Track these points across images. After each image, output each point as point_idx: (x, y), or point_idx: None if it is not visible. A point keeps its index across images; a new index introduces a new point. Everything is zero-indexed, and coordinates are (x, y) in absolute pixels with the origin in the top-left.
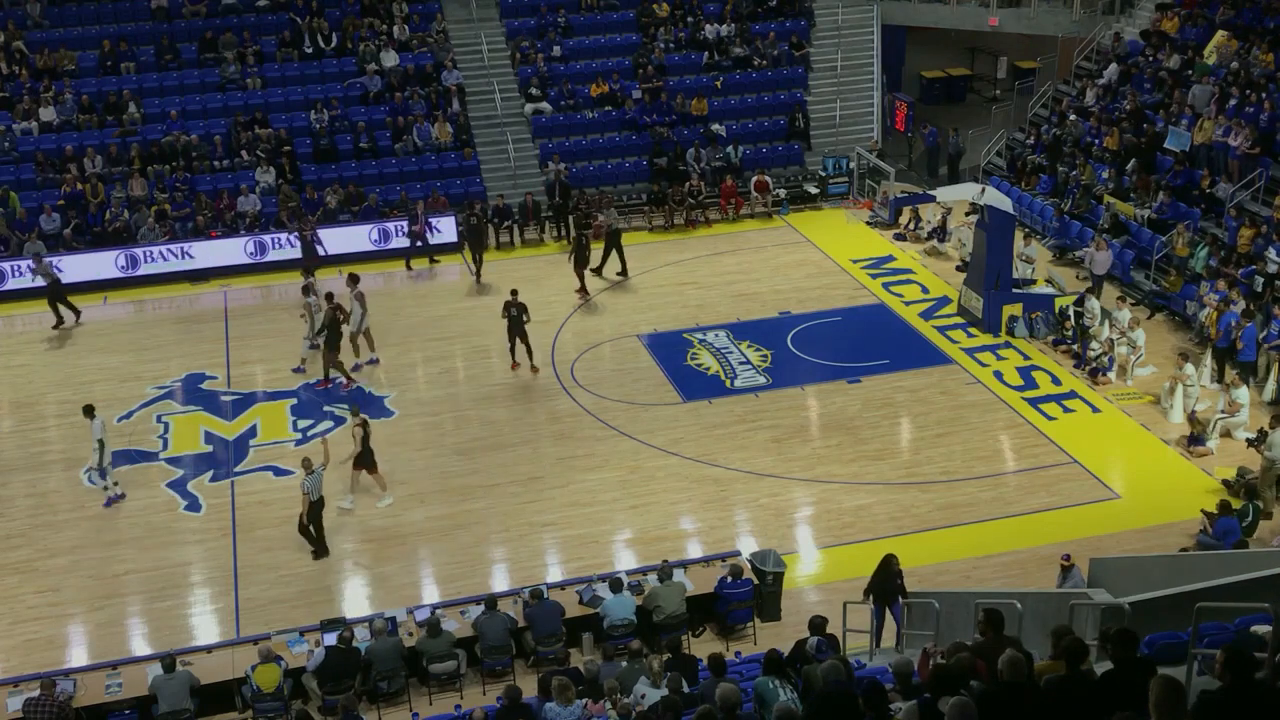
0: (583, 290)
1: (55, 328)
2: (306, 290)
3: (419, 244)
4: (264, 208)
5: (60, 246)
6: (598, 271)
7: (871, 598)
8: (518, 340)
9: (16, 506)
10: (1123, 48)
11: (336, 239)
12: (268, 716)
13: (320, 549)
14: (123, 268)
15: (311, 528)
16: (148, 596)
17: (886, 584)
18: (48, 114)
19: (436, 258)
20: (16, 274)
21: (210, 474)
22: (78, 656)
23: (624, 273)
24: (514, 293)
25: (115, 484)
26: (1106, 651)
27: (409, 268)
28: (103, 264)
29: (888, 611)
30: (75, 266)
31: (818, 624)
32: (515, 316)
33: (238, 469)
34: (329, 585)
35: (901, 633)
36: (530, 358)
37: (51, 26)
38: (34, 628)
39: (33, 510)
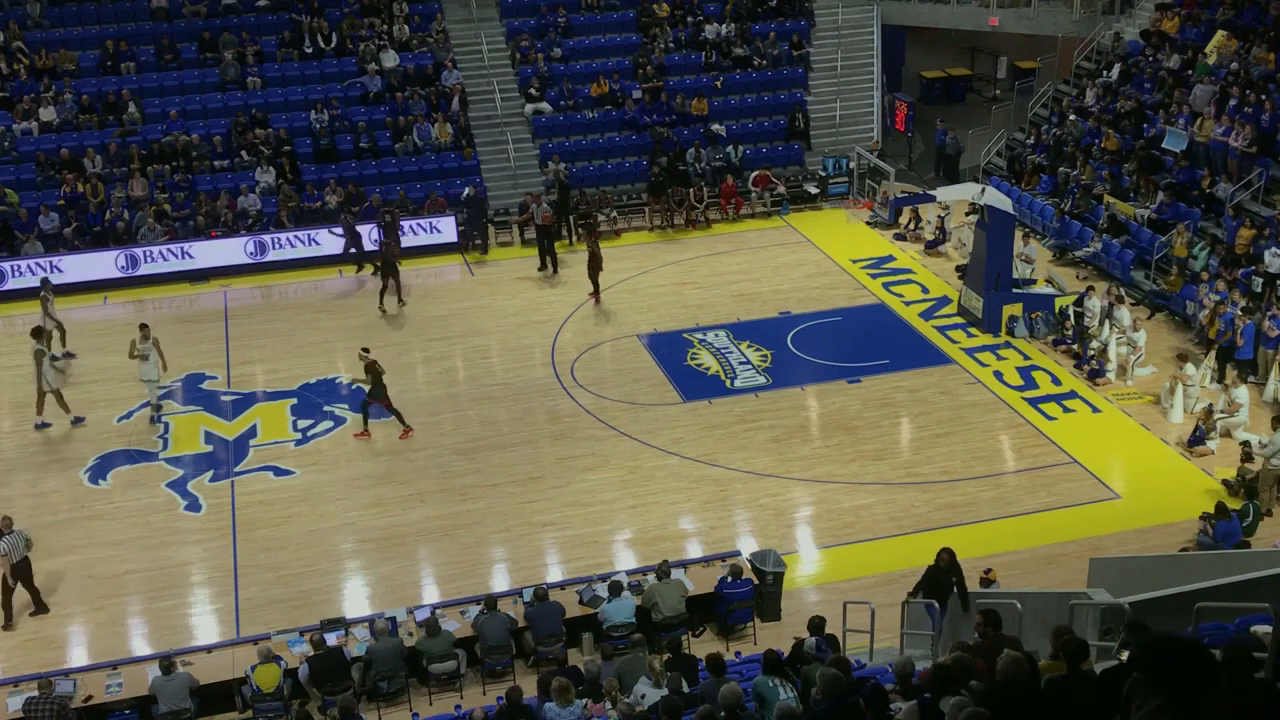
0: (595, 295)
1: None
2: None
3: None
4: (264, 208)
5: (60, 246)
6: (543, 268)
7: (921, 594)
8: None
9: (16, 506)
10: (1123, 48)
11: (337, 239)
12: (267, 716)
13: (38, 607)
14: (123, 268)
15: (21, 586)
16: (148, 596)
17: (939, 579)
18: (48, 114)
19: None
20: (16, 274)
21: (210, 474)
22: (78, 656)
23: (544, 267)
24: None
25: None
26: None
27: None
28: (103, 264)
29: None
30: (75, 266)
31: (816, 624)
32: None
33: (238, 469)
34: (329, 585)
35: (904, 633)
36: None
37: (51, 26)
38: (34, 627)
39: (33, 510)
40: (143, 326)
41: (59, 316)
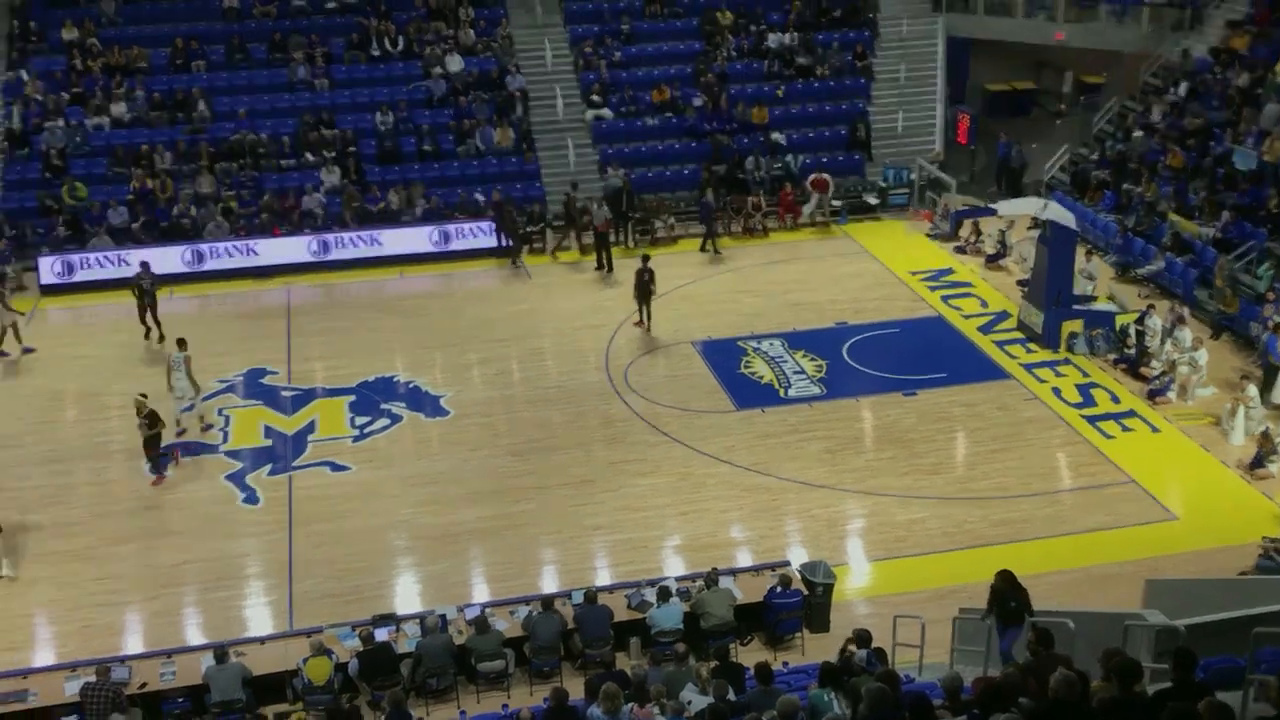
0: (640, 321)
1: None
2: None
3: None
4: (328, 207)
5: (128, 240)
6: (600, 267)
7: (993, 618)
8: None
9: (79, 494)
10: (1190, 64)
11: (398, 240)
12: (318, 709)
13: None
14: (189, 263)
15: None
16: (204, 587)
17: (1006, 603)
18: (119, 110)
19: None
20: (85, 266)
21: (269, 467)
22: (133, 644)
23: (600, 266)
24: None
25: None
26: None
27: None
28: (169, 259)
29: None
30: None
31: (863, 636)
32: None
33: (296, 463)
34: (382, 581)
35: (954, 648)
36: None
37: (125, 24)
38: (92, 614)
39: (95, 499)
40: (180, 341)
41: (17, 312)
